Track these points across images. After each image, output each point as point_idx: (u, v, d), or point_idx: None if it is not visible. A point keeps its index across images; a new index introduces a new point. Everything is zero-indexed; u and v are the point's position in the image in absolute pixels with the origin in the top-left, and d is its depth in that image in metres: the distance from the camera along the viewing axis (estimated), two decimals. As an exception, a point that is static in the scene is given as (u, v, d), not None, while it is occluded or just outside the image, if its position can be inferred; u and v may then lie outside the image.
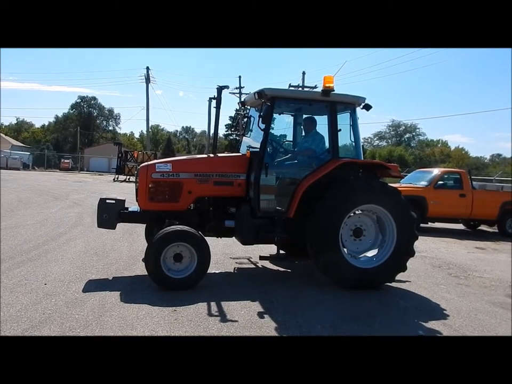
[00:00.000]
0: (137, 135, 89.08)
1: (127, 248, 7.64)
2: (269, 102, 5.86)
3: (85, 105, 76.25)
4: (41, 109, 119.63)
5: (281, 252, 6.58)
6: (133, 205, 6.43)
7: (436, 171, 13.68)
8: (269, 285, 5.92)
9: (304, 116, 6.79)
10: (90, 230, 9.09)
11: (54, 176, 32.02)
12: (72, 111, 75.22)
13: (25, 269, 5.92)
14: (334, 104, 6.05)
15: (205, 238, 5.64)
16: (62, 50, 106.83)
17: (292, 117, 7.08)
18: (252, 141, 6.51)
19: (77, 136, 63.68)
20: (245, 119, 7.14)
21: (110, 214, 5.96)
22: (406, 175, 16.03)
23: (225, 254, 7.59)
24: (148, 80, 43.75)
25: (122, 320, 4.30)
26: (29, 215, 10.79)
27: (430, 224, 12.93)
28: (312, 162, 6.14)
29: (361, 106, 6.31)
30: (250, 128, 6.77)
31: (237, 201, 6.06)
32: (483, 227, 14.10)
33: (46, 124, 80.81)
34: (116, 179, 30.25)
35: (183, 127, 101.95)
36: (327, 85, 5.84)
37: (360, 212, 6.12)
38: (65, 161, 49.56)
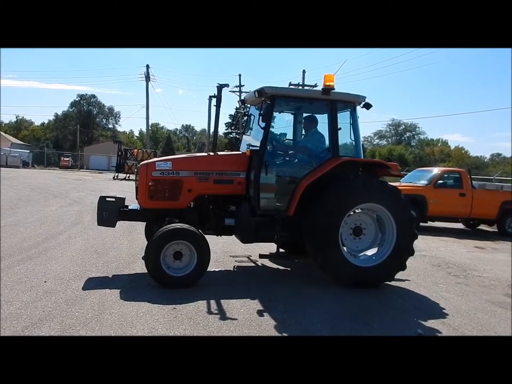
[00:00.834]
0: (137, 133, 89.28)
1: (127, 246, 7.65)
2: (269, 100, 5.85)
3: (84, 103, 76.18)
4: (41, 107, 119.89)
5: (281, 250, 6.58)
6: (132, 203, 6.44)
7: (435, 170, 13.69)
8: (268, 283, 5.93)
9: (305, 115, 6.79)
10: (90, 228, 9.09)
11: (54, 174, 32.01)
12: (71, 109, 75.16)
13: (25, 266, 5.92)
14: (334, 102, 6.05)
15: (205, 236, 5.64)
16: (62, 48, 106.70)
17: (292, 116, 7.08)
18: (252, 139, 6.51)
19: (76, 134, 63.65)
20: (245, 118, 7.13)
21: (110, 212, 5.97)
22: (406, 174, 16.04)
23: (225, 252, 7.60)
24: (147, 78, 43.66)
25: (122, 318, 4.31)
26: (28, 213, 10.79)
27: (430, 223, 12.94)
28: (312, 161, 6.14)
29: (362, 105, 6.30)
30: (250, 126, 6.76)
31: (237, 200, 6.06)
32: (483, 226, 14.11)
33: (46, 122, 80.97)
34: (115, 177, 30.23)
35: (183, 125, 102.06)
36: (327, 83, 5.83)
37: (360, 210, 6.12)
38: (65, 159, 49.53)
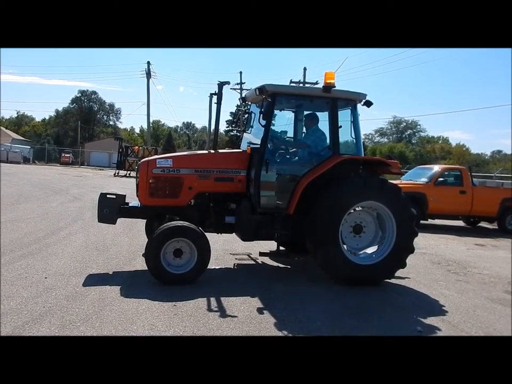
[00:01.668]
0: (137, 130, 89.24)
1: (128, 243, 7.66)
2: (270, 98, 5.83)
3: (85, 100, 76.17)
4: (41, 103, 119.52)
5: (281, 248, 6.59)
6: (133, 200, 6.44)
7: (436, 168, 13.69)
8: (268, 281, 5.94)
9: (306, 113, 6.78)
10: (91, 224, 9.10)
11: (55, 170, 32.02)
12: (72, 106, 75.12)
13: (26, 262, 5.94)
14: (335, 100, 6.04)
15: (205, 233, 5.65)
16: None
17: (293, 113, 7.06)
18: (252, 137, 6.50)
19: (77, 131, 63.63)
20: (246, 115, 7.12)
21: (110, 208, 5.97)
22: (407, 172, 16.03)
23: (225, 250, 7.61)
24: (148, 75, 43.59)
25: (122, 314, 4.32)
26: (29, 209, 10.81)
27: (430, 221, 12.95)
28: (312, 159, 6.14)
29: (362, 103, 6.29)
30: (251, 124, 6.75)
31: (237, 198, 6.06)
32: (483, 224, 14.11)
33: (47, 117, 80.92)
34: (116, 174, 30.25)
35: (183, 122, 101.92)
36: (328, 81, 5.83)
37: (360, 208, 6.12)
38: (66, 155, 49.48)
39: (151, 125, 52.43)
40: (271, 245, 7.12)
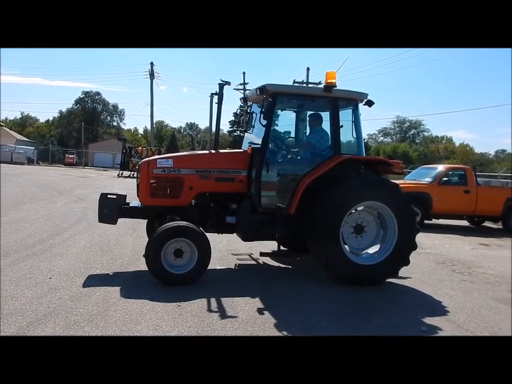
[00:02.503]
0: (141, 131, 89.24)
1: (132, 244, 7.67)
2: (271, 98, 5.82)
3: (89, 101, 76.22)
4: (45, 104, 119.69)
5: (282, 248, 6.57)
6: (135, 200, 6.45)
7: (440, 167, 13.64)
8: (270, 281, 5.94)
9: (309, 112, 6.76)
10: (95, 225, 9.11)
11: (59, 171, 32.13)
12: (76, 106, 75.28)
13: (30, 263, 5.96)
14: (336, 100, 6.02)
15: (207, 234, 5.64)
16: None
17: (295, 113, 7.05)
18: (254, 137, 6.48)
19: (81, 132, 63.73)
20: (248, 115, 7.11)
21: (111, 209, 5.97)
22: (410, 172, 15.99)
23: (229, 250, 7.61)
24: (152, 75, 43.68)
25: (126, 314, 4.33)
26: (33, 209, 10.84)
27: (434, 221, 12.90)
28: (314, 158, 6.12)
29: (364, 103, 6.27)
30: (253, 124, 6.74)
31: (238, 198, 6.04)
32: (487, 223, 14.05)
33: (51, 118, 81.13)
34: (120, 175, 30.30)
35: (187, 123, 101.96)
36: (329, 80, 5.81)
37: (361, 208, 6.09)
38: (70, 156, 49.68)
39: (154, 125, 52.53)
40: (274, 245, 7.10)
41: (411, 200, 6.20)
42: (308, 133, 6.79)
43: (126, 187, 17.76)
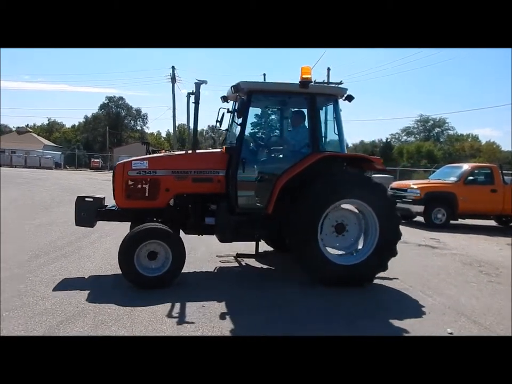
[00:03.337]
0: (164, 134, 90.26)
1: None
2: (245, 95, 5.69)
3: (113, 106, 77.65)
4: (71, 109, 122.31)
5: (265, 249, 6.48)
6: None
7: (465, 166, 13.36)
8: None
9: (291, 110, 6.58)
10: (120, 227, 9.27)
11: (84, 175, 32.82)
12: (100, 111, 76.80)
13: (59, 264, 6.15)
14: (313, 96, 5.84)
15: (189, 235, 5.66)
16: (88, 51, 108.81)
17: (272, 111, 6.88)
18: (234, 136, 6.25)
19: (106, 136, 64.99)
20: (231, 114, 6.68)
21: (87, 212, 5.84)
22: (435, 171, 15.72)
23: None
24: (173, 79, 44.10)
25: (152, 314, 4.42)
26: (61, 212, 11.13)
27: (460, 221, 12.66)
28: (293, 157, 5.92)
29: (344, 98, 6.06)
30: (231, 123, 6.59)
31: (217, 198, 5.87)
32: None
33: (76, 124, 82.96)
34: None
35: (208, 125, 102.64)
36: (304, 76, 5.50)
37: (342, 207, 5.91)
38: (95, 160, 50.64)
39: (177, 128, 53.08)
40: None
41: (387, 190, 5.93)
42: (290, 131, 6.62)
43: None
